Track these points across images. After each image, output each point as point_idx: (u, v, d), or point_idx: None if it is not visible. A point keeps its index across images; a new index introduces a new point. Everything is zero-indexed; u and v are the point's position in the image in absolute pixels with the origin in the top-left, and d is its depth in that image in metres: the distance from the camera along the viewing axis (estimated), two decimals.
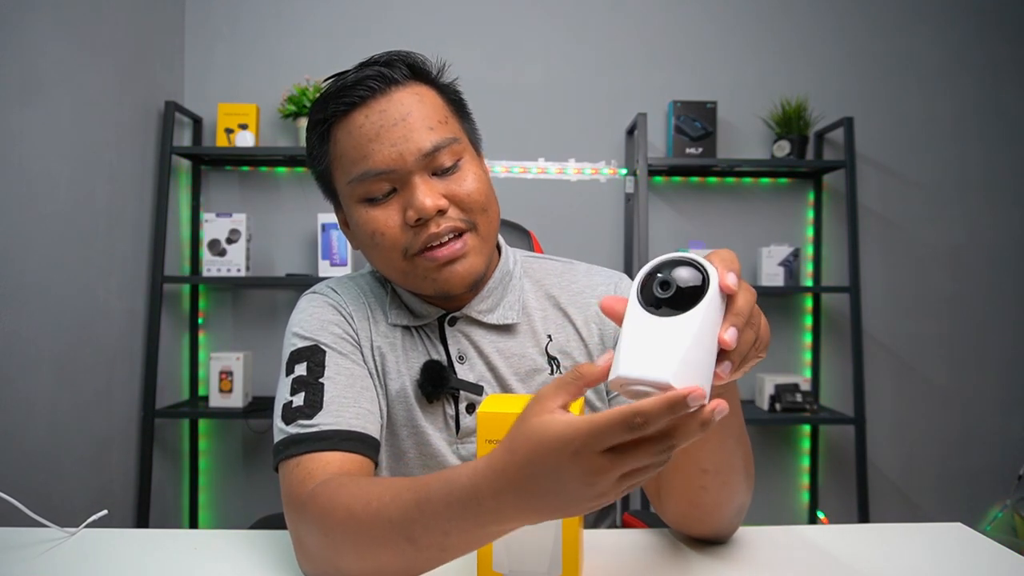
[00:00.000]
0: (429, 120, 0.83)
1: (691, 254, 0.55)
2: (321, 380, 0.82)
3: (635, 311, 0.53)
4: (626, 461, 0.49)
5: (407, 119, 0.82)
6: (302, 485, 0.73)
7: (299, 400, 0.80)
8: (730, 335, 0.53)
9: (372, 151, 0.81)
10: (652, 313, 0.53)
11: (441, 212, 0.82)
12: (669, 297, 0.53)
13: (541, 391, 0.53)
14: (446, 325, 0.91)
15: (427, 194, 0.81)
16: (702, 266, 0.55)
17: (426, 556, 0.61)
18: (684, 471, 0.73)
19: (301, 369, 0.83)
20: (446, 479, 0.59)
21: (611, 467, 0.49)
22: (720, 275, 0.54)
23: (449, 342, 0.90)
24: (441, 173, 0.83)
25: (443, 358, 0.89)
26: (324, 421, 0.78)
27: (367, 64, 0.85)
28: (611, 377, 0.52)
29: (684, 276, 0.54)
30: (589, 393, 0.91)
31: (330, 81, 0.86)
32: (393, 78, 0.83)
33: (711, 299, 0.53)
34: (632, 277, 0.57)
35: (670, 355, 0.51)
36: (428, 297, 0.90)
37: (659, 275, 0.54)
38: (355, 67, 0.85)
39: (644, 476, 0.51)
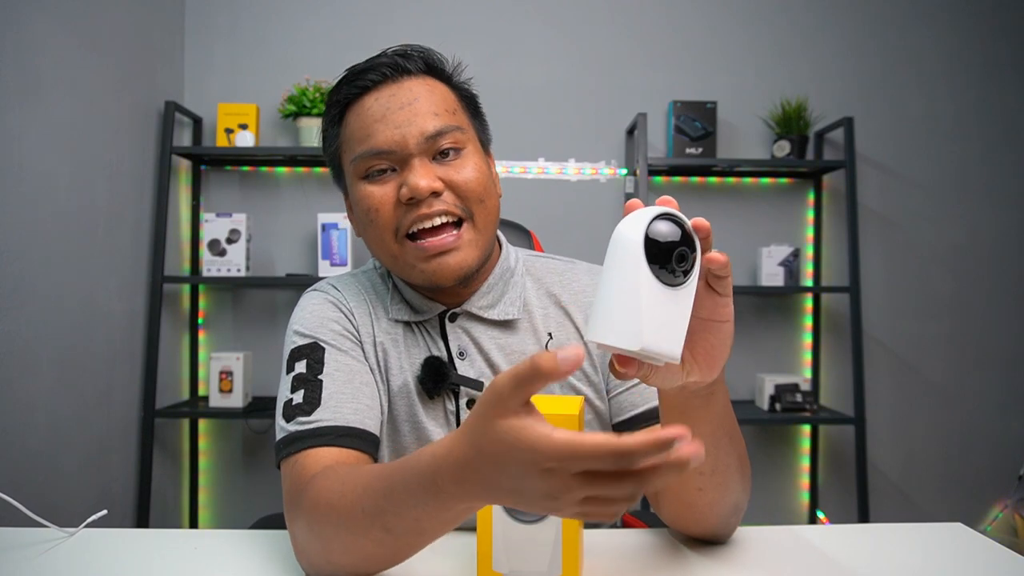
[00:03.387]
0: (436, 107, 0.84)
1: (671, 212, 0.56)
2: (320, 377, 0.83)
3: (646, 277, 0.54)
4: (595, 488, 0.48)
5: (414, 104, 0.83)
6: (298, 482, 0.74)
7: (299, 397, 0.81)
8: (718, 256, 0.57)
9: (376, 131, 0.83)
10: (668, 284, 0.54)
11: (436, 194, 0.82)
12: (683, 269, 0.55)
13: (497, 383, 0.50)
14: (447, 321, 0.91)
15: (423, 175, 0.81)
16: (688, 230, 0.56)
17: (406, 542, 0.63)
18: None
19: (301, 367, 0.84)
20: (408, 467, 0.60)
21: (578, 489, 0.48)
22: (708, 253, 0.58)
23: (450, 338, 0.90)
24: (442, 159, 0.84)
25: (444, 354, 0.90)
26: (322, 417, 0.79)
27: (384, 53, 0.87)
28: (636, 348, 0.54)
29: (686, 247, 0.56)
30: (588, 391, 0.91)
31: (348, 70, 0.88)
32: (407, 68, 0.86)
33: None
34: None
35: (680, 329, 0.55)
36: (426, 291, 0.90)
37: (679, 248, 0.55)
38: (372, 57, 0.88)
39: (607, 508, 0.49)
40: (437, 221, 0.83)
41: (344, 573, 0.67)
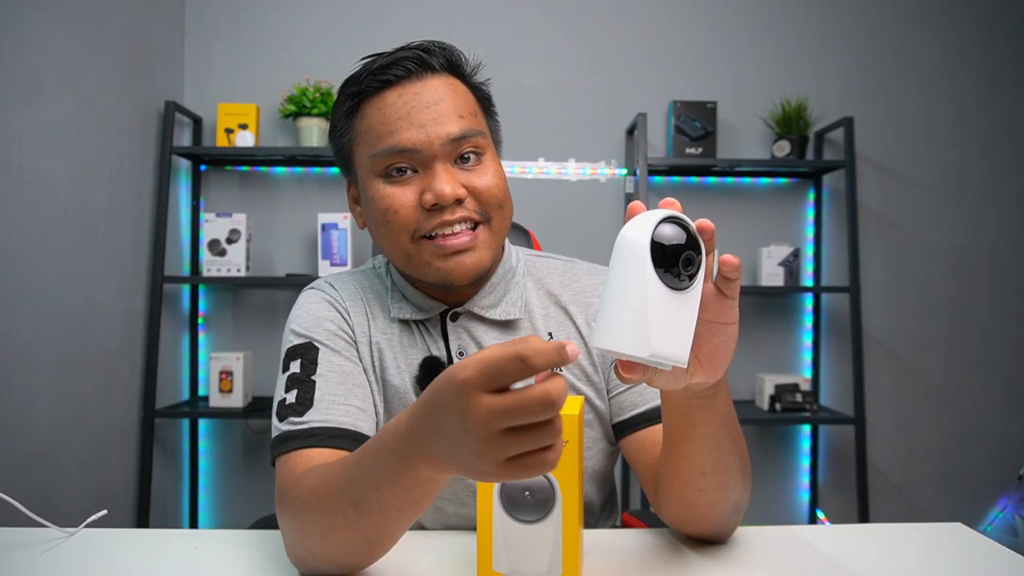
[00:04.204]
0: (460, 109, 0.84)
1: (676, 215, 0.56)
2: (313, 377, 0.83)
3: (653, 282, 0.54)
4: (518, 442, 0.49)
5: (439, 104, 0.83)
6: (287, 479, 0.74)
7: (292, 397, 0.82)
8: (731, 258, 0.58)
9: (400, 128, 0.82)
10: (674, 288, 0.54)
11: (459, 201, 0.82)
12: (689, 273, 0.55)
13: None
14: (448, 320, 0.91)
15: (447, 181, 0.81)
16: (693, 233, 0.56)
17: (371, 522, 0.63)
18: (682, 475, 0.73)
19: (295, 366, 0.84)
20: (382, 429, 0.62)
21: (488, 417, 0.48)
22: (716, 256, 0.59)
23: (450, 337, 0.90)
24: (463, 164, 0.84)
25: (443, 354, 0.90)
26: (313, 418, 0.80)
27: (406, 48, 0.86)
28: (644, 354, 0.54)
29: (692, 250, 0.56)
30: (588, 390, 0.91)
31: (365, 61, 0.87)
32: (430, 65, 0.85)
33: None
34: None
35: (687, 332, 0.55)
36: (430, 289, 0.90)
37: (686, 251, 0.55)
38: (393, 50, 0.86)
39: (530, 467, 0.50)
40: (458, 228, 0.83)
41: (324, 565, 0.68)
